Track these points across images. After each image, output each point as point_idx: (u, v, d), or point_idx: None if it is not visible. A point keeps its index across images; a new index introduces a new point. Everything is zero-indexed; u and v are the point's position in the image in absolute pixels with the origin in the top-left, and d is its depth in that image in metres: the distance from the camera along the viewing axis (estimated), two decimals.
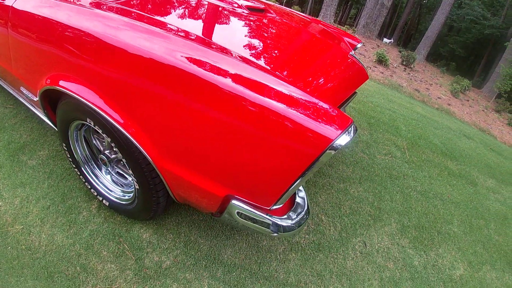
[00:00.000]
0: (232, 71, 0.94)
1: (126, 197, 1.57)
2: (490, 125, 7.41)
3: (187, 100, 0.95)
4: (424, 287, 1.67)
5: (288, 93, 0.91)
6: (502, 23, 17.37)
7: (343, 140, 0.85)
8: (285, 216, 1.11)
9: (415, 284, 1.67)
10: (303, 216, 1.17)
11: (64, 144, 1.60)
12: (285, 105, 0.87)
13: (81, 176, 1.68)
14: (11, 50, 1.55)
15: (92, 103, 1.17)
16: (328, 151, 0.84)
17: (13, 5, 1.43)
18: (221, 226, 1.78)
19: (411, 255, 1.84)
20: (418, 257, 1.84)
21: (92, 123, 1.30)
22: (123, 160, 1.31)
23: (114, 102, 1.13)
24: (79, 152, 1.62)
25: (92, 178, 1.65)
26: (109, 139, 1.29)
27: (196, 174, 1.06)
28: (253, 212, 1.03)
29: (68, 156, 1.64)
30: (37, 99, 1.52)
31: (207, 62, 0.95)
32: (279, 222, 1.06)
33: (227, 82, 0.91)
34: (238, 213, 1.05)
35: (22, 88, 1.67)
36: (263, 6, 1.99)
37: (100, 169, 1.67)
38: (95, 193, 1.66)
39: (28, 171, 1.83)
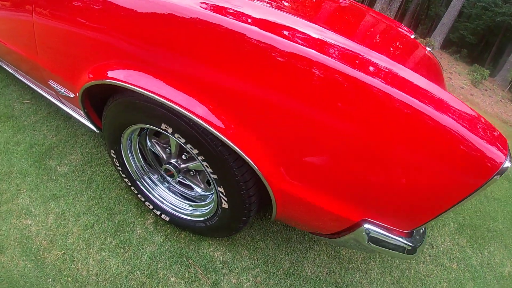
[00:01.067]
0: (383, 67, 0.73)
1: (199, 213, 1.29)
2: (510, 116, 7.30)
3: (323, 102, 0.74)
4: (484, 286, 1.66)
5: (456, 106, 0.73)
6: None
7: (507, 163, 0.71)
8: (413, 237, 0.93)
9: (476, 283, 1.65)
10: (424, 232, 1.01)
11: (112, 151, 1.29)
12: (454, 121, 0.70)
13: (132, 188, 1.38)
14: (38, 37, 1.24)
15: (179, 105, 0.88)
16: (495, 176, 0.71)
17: None
18: (298, 237, 1.54)
19: (470, 254, 1.83)
20: (475, 256, 1.83)
21: (170, 130, 1.00)
22: (211, 175, 1.03)
23: (215, 103, 0.86)
24: (133, 161, 1.32)
25: (148, 190, 1.36)
26: (195, 151, 1.00)
27: (326, 196, 0.87)
28: (389, 236, 0.89)
29: (117, 165, 1.33)
30: (74, 95, 1.24)
31: (357, 54, 0.73)
32: (411, 244, 0.90)
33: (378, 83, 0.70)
34: (369, 237, 0.90)
35: (52, 82, 1.34)
36: None
37: (160, 181, 1.38)
38: (151, 207, 1.37)
39: (60, 180, 1.52)
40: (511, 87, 10.27)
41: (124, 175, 1.35)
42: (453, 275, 1.65)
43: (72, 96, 1.27)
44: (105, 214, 1.41)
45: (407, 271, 1.60)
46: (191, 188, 1.36)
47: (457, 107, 0.74)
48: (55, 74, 1.26)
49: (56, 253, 1.27)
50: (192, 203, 1.33)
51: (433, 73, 1.32)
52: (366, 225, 0.89)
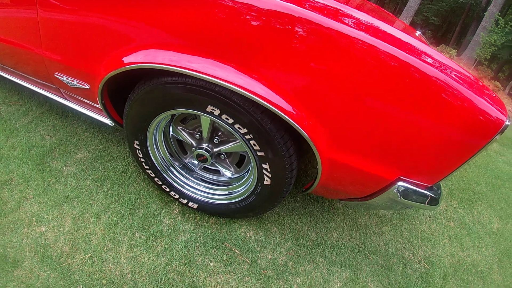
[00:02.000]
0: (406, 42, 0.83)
1: (235, 195, 1.29)
2: (458, 65, 7.90)
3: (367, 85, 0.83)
4: (479, 241, 1.82)
5: (450, 64, 0.84)
6: None
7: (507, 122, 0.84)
8: (434, 190, 1.03)
9: (472, 238, 1.82)
10: (440, 186, 1.11)
11: (136, 142, 1.24)
12: (461, 85, 0.81)
13: (156, 179, 1.33)
14: (43, 28, 1.15)
15: (240, 86, 0.89)
16: (497, 135, 0.83)
17: None
18: (318, 210, 1.60)
19: (462, 214, 1.99)
20: (467, 215, 2.00)
21: (217, 111, 1.00)
22: (258, 153, 1.05)
23: (274, 84, 0.89)
24: (157, 151, 1.27)
25: (174, 180, 1.33)
26: (244, 131, 1.01)
27: (367, 159, 0.96)
28: (418, 190, 1.00)
29: (140, 156, 1.28)
30: (89, 86, 1.18)
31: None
32: (435, 196, 1.01)
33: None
34: (402, 193, 0.99)
35: (59, 74, 1.24)
36: None
37: (184, 169, 1.35)
38: (176, 196, 1.35)
39: (69, 181, 1.43)
40: (476, 65, 10.89)
41: (147, 167, 1.31)
42: (451, 232, 1.80)
43: (88, 87, 1.19)
44: (128, 209, 1.35)
45: (414, 231, 1.72)
46: (218, 173, 1.35)
47: (462, 73, 0.85)
48: (67, 65, 1.17)
49: (82, 257, 1.21)
50: (225, 186, 1.32)
51: None
52: (400, 183, 0.98)
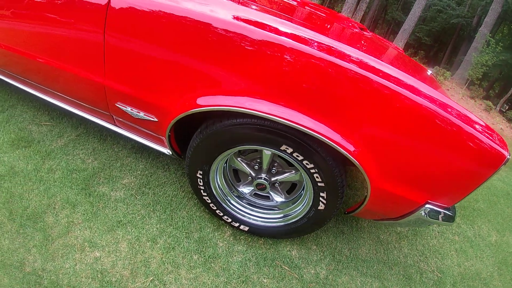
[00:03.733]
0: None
1: (289, 217, 1.41)
2: (473, 112, 8.29)
3: (418, 129, 1.02)
4: (480, 252, 2.08)
5: (468, 114, 1.06)
6: (467, 12, 18.43)
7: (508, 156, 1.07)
8: (451, 210, 1.26)
9: (474, 250, 2.07)
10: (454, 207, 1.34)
11: (200, 172, 1.32)
12: (476, 131, 1.03)
13: (211, 204, 1.42)
14: (109, 58, 1.21)
15: (312, 129, 1.04)
16: (501, 166, 1.05)
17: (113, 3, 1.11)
18: (348, 228, 1.77)
19: (465, 229, 2.26)
20: (469, 230, 2.27)
21: (289, 150, 1.14)
22: (319, 183, 1.21)
23: (337, 124, 1.05)
24: (217, 180, 1.37)
25: (228, 205, 1.42)
26: (310, 166, 1.16)
27: (407, 188, 1.14)
28: (440, 211, 1.20)
29: (200, 184, 1.36)
30: (157, 120, 1.25)
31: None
32: (451, 214, 1.24)
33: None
34: (428, 213, 1.20)
35: (121, 105, 1.29)
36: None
37: (237, 195, 1.46)
38: (229, 220, 1.44)
39: (119, 206, 1.46)
40: (468, 85, 11.17)
41: (205, 194, 1.39)
42: (457, 245, 2.05)
43: (156, 120, 1.26)
44: (183, 233, 1.42)
45: (426, 245, 1.94)
46: (267, 198, 1.47)
47: (473, 118, 1.06)
48: (137, 97, 1.23)
49: (143, 280, 1.26)
50: (279, 210, 1.45)
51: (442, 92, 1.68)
52: (427, 205, 1.19)
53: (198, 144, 1.24)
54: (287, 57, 0.99)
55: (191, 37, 1.05)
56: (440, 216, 1.20)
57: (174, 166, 1.64)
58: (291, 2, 1.83)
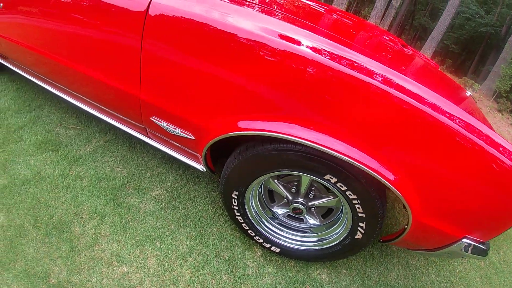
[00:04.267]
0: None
1: (324, 242, 1.36)
2: (500, 127, 7.81)
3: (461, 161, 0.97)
4: (504, 279, 2.03)
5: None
6: (496, 21, 17.80)
7: None
8: (486, 244, 1.21)
9: (499, 277, 2.02)
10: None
11: (235, 192, 1.27)
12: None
13: (244, 224, 1.37)
14: (146, 71, 1.16)
15: (356, 160, 0.98)
16: None
17: (152, 10, 1.06)
18: (378, 253, 1.71)
19: (490, 254, 2.18)
20: (494, 255, 2.20)
21: (333, 180, 1.09)
22: (359, 214, 1.16)
23: (381, 155, 0.99)
24: (252, 201, 1.32)
25: (263, 227, 1.37)
26: (353, 196, 1.11)
27: (446, 222, 1.11)
28: (476, 245, 1.15)
29: (235, 204, 1.31)
30: (194, 138, 1.20)
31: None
32: (485, 249, 1.18)
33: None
34: (465, 248, 1.16)
35: (157, 119, 1.24)
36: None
37: (270, 216, 1.40)
38: (260, 240, 1.39)
39: (149, 220, 1.41)
40: (496, 97, 10.62)
41: (238, 214, 1.33)
42: (482, 272, 1.98)
43: (193, 138, 1.20)
44: (213, 252, 1.36)
45: (453, 271, 1.88)
46: (301, 220, 1.42)
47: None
48: (175, 114, 1.18)
49: None
50: (314, 234, 1.39)
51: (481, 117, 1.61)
52: (464, 239, 1.15)
53: (236, 165, 1.19)
54: (338, 84, 0.94)
55: (238, 55, 0.99)
56: (475, 251, 1.16)
57: (205, 179, 1.59)
58: (320, 10, 1.76)
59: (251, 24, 0.98)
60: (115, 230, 1.36)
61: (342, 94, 0.94)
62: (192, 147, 1.28)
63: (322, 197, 1.31)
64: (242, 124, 1.07)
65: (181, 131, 1.22)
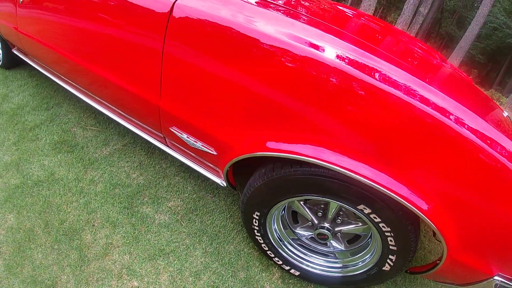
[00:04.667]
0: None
1: (349, 270, 1.27)
2: None
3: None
4: None
5: None
6: None
7: None
8: None
9: None
10: None
11: (257, 213, 1.18)
12: None
13: (263, 245, 1.28)
14: (168, 78, 1.09)
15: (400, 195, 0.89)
16: None
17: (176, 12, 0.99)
18: (402, 279, 1.60)
19: None
20: None
21: (367, 210, 1.00)
22: (391, 247, 1.08)
23: (413, 181, 0.90)
24: (274, 223, 1.24)
25: (285, 250, 1.28)
26: (387, 229, 1.02)
27: (481, 260, 1.02)
28: (509, 284, 1.05)
29: (255, 224, 1.22)
30: (216, 153, 1.13)
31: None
32: None
33: None
34: (495, 285, 1.06)
35: (177, 130, 1.16)
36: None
37: (293, 239, 1.32)
38: (280, 262, 1.30)
39: (163, 232, 1.33)
40: None
41: (258, 234, 1.25)
42: None
43: (215, 154, 1.12)
44: (229, 271, 1.28)
45: None
46: (325, 244, 1.32)
47: None
48: (197, 127, 1.10)
49: None
50: (339, 259, 1.30)
51: None
52: (496, 277, 1.05)
53: (260, 186, 1.11)
54: (378, 104, 0.84)
55: (269, 65, 0.90)
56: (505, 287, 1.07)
57: (224, 191, 1.51)
58: (348, 14, 1.67)
59: (293, 33, 0.90)
60: (128, 241, 1.29)
61: (383, 117, 0.85)
62: (213, 162, 1.20)
63: (350, 223, 1.21)
64: (271, 144, 0.99)
65: (202, 145, 1.14)
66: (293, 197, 1.10)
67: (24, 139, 1.57)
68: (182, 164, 1.59)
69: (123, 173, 1.48)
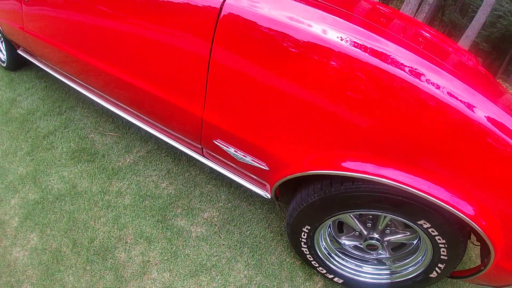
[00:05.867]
0: None
1: (397, 276, 1.24)
2: None
3: None
4: None
5: None
6: None
7: None
8: None
9: None
10: None
11: (307, 227, 1.12)
12: None
13: (308, 256, 1.23)
14: (214, 82, 0.97)
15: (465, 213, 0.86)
16: None
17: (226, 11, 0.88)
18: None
19: None
20: None
21: (426, 225, 0.96)
22: (442, 256, 1.07)
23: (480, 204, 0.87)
24: (322, 235, 1.19)
25: (330, 259, 1.23)
26: (442, 241, 1.00)
27: None
28: None
29: (303, 237, 1.16)
30: (268, 168, 1.05)
31: None
32: None
33: None
34: None
35: (222, 143, 1.07)
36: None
37: (338, 248, 1.27)
38: (324, 271, 1.26)
39: (201, 246, 1.25)
40: None
41: (305, 246, 1.19)
42: None
43: (267, 169, 1.04)
44: (274, 283, 1.22)
45: None
46: (369, 253, 1.29)
47: None
48: (246, 139, 1.01)
49: None
50: (385, 268, 1.27)
51: None
52: None
53: (315, 201, 1.04)
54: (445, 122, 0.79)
55: (341, 77, 0.82)
56: None
57: (259, 199, 1.43)
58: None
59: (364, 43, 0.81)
60: (165, 257, 1.21)
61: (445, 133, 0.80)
62: (261, 176, 1.12)
63: (398, 233, 1.18)
64: (350, 165, 0.91)
65: (252, 159, 1.05)
66: (349, 212, 1.04)
67: (38, 148, 1.43)
68: (213, 171, 1.49)
69: (151, 183, 1.38)
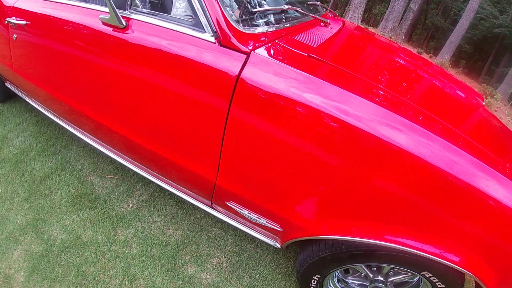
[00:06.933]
0: None
1: None
2: None
3: None
4: None
5: None
6: (510, 21, 16.58)
7: None
8: None
9: None
10: None
11: (317, 276, 1.16)
12: None
13: None
14: (230, 147, 0.95)
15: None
16: None
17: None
18: None
19: None
20: None
21: (428, 274, 1.03)
22: None
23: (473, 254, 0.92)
24: (330, 282, 1.23)
25: None
26: (441, 285, 1.08)
27: None
28: None
29: (314, 284, 1.21)
30: (282, 229, 1.06)
31: None
32: None
33: None
34: None
35: (236, 206, 1.06)
36: None
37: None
38: None
39: None
40: None
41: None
42: None
43: (280, 230, 1.04)
44: None
45: None
46: None
47: None
48: (263, 207, 1.00)
49: None
50: None
51: None
52: None
53: (326, 256, 1.08)
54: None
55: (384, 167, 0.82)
56: None
57: None
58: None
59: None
60: None
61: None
62: (273, 233, 1.12)
63: (401, 274, 1.24)
64: (391, 238, 0.94)
65: (266, 221, 1.05)
66: (359, 264, 1.09)
67: (36, 193, 1.38)
68: None
69: (157, 229, 1.36)
